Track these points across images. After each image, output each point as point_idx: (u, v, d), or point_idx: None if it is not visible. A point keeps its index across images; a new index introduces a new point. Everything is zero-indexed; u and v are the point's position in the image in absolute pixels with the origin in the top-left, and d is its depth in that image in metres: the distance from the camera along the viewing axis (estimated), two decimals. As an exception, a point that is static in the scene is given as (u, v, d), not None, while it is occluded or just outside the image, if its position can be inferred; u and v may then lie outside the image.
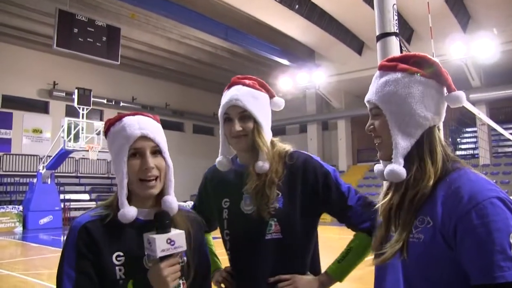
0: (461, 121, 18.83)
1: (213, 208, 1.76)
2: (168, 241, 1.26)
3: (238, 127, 1.62)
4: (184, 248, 1.30)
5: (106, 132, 1.40)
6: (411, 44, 17.67)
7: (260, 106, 1.68)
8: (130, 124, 1.34)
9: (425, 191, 1.16)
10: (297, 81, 20.78)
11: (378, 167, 1.34)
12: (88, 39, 14.04)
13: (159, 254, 1.24)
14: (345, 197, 1.66)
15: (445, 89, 1.25)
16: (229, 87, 1.72)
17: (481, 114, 6.23)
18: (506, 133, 8.55)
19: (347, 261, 1.65)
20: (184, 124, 26.56)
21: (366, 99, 1.32)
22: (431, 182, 1.16)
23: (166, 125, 21.23)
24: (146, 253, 1.31)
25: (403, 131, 1.22)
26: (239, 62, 20.96)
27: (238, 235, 1.65)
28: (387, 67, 1.29)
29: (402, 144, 1.21)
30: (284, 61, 19.91)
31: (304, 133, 24.60)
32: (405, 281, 1.16)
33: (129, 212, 1.32)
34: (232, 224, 1.67)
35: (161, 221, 1.30)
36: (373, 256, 1.31)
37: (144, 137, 1.33)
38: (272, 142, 1.69)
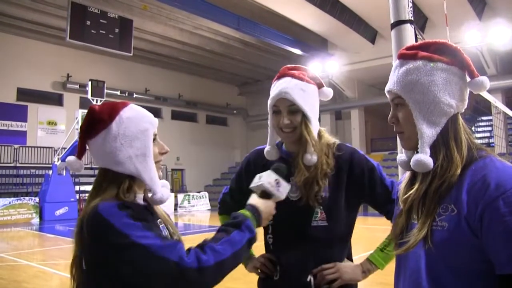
0: (477, 109, 18.58)
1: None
2: (276, 181, 1.45)
3: (286, 120, 1.65)
4: (283, 198, 1.47)
5: (115, 117, 1.37)
6: (425, 32, 17.40)
7: (308, 98, 1.69)
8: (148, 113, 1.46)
9: (452, 179, 1.14)
10: (309, 71, 20.55)
11: (401, 157, 1.32)
12: (100, 31, 14.08)
13: (263, 181, 1.45)
14: (389, 191, 1.71)
15: (467, 75, 1.23)
16: (279, 78, 1.73)
17: (497, 102, 6.13)
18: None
19: (389, 250, 1.68)
20: (197, 114, 26.62)
21: (386, 89, 1.29)
22: (459, 170, 1.14)
23: (179, 116, 21.26)
24: (252, 185, 1.48)
25: (428, 119, 1.20)
26: (252, 52, 20.87)
27: (283, 221, 1.66)
28: (408, 55, 1.26)
29: (428, 133, 1.19)
30: (297, 51, 19.75)
31: (317, 123, 24.37)
32: (427, 270, 1.14)
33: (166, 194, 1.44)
34: (277, 210, 1.66)
35: (281, 168, 1.50)
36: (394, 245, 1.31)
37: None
38: (319, 133, 1.74)
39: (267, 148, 1.77)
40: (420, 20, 17.43)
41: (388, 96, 1.30)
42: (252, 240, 1.33)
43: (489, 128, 21.69)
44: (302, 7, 16.20)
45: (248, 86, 27.92)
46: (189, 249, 1.23)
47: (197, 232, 13.15)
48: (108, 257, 1.21)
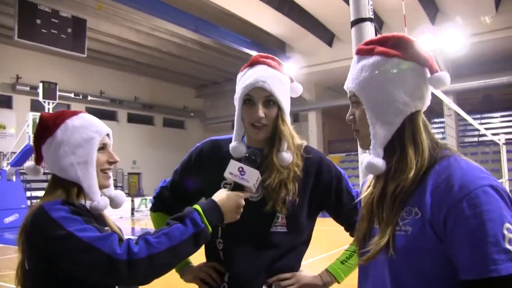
0: (432, 110, 19.22)
1: (203, 188, 1.66)
2: (240, 169, 1.37)
3: (261, 112, 1.50)
4: (250, 185, 1.38)
5: (60, 125, 1.43)
6: (333, 47, 18.62)
7: (285, 91, 1.58)
8: (97, 120, 1.50)
9: (406, 183, 1.08)
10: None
11: (365, 157, 1.24)
12: (52, 31, 13.57)
13: (225, 174, 1.37)
14: (354, 202, 1.60)
15: (427, 71, 1.16)
16: (252, 65, 1.58)
17: (451, 103, 6.31)
18: (474, 122, 8.75)
19: (350, 263, 1.62)
20: (154, 117, 26.16)
21: (345, 86, 1.24)
22: (411, 174, 1.08)
23: (135, 119, 20.86)
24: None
25: (382, 119, 1.13)
26: (209, 54, 20.68)
27: (239, 223, 1.46)
28: (364, 51, 1.21)
29: (381, 133, 1.13)
30: (254, 53, 19.57)
31: (274, 126, 24.51)
32: (392, 277, 1.09)
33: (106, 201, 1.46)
34: None
35: (250, 155, 1.43)
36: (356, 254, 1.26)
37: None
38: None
39: (233, 144, 1.58)
40: (327, 37, 18.32)
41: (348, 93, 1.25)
42: (198, 236, 1.26)
43: (442, 130, 22.46)
44: (260, 9, 16.21)
45: (206, 89, 27.73)
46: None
47: None
48: (46, 250, 1.23)
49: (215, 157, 1.64)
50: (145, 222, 17.58)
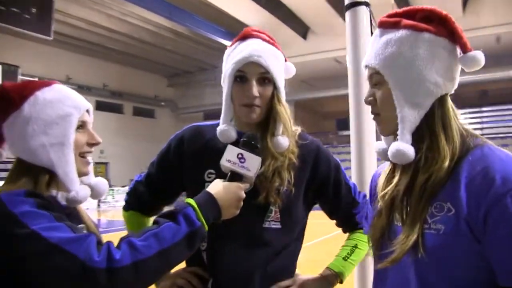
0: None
1: (184, 180, 1.46)
2: (239, 155, 1.21)
3: (255, 91, 1.31)
4: (252, 175, 1.21)
5: (28, 97, 1.17)
6: (307, 40, 18.77)
7: (280, 69, 1.39)
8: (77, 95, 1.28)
9: (439, 174, 0.97)
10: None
11: (379, 145, 1.16)
12: (13, 9, 12.84)
13: (222, 161, 1.21)
14: (352, 192, 1.51)
15: (458, 50, 1.05)
16: (243, 39, 1.39)
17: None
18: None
19: (352, 260, 1.48)
20: (123, 105, 25.69)
21: (364, 63, 1.12)
22: (446, 163, 0.97)
23: (104, 107, 20.40)
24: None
25: (411, 101, 1.02)
26: (183, 42, 20.33)
27: (227, 219, 1.25)
28: (389, 23, 1.08)
29: (410, 117, 1.02)
30: (229, 43, 19.37)
31: (246, 118, 24.57)
32: (419, 281, 0.97)
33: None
34: None
35: (249, 139, 1.26)
36: (372, 253, 1.14)
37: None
38: None
39: (221, 127, 1.38)
40: (302, 30, 18.43)
41: (366, 72, 1.13)
42: (193, 235, 1.08)
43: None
44: (237, -1, 16.05)
45: (178, 78, 27.37)
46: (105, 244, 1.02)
47: (121, 229, 12.43)
48: (9, 250, 0.99)
49: (198, 144, 1.46)
50: (112, 214, 17.34)
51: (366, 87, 2.02)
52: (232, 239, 1.34)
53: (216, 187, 1.19)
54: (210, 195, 1.17)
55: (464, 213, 0.92)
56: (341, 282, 1.45)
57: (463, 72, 1.11)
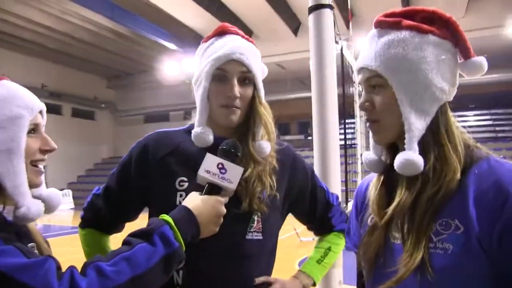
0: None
1: (151, 193, 1.30)
2: (220, 165, 1.08)
3: (237, 91, 1.22)
4: (233, 187, 1.08)
5: None
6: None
7: (259, 68, 1.32)
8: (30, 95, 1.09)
9: (450, 186, 0.90)
10: (183, 66, 20.60)
11: (369, 155, 1.07)
12: None
13: (200, 172, 1.07)
14: (326, 196, 1.47)
15: (459, 55, 1.00)
16: (220, 35, 1.30)
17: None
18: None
19: (326, 263, 1.44)
20: (62, 107, 24.87)
21: (360, 65, 1.03)
22: (458, 174, 0.91)
23: (47, 104, 19.05)
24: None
25: (417, 107, 0.95)
26: (124, 44, 20.01)
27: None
28: (388, 23, 1.00)
29: (417, 124, 0.94)
30: (171, 45, 19.61)
31: (188, 120, 24.54)
32: None
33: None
34: None
35: (229, 146, 1.13)
36: (367, 275, 1.04)
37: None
38: None
39: (197, 129, 1.26)
40: (245, 34, 18.14)
41: (360, 75, 1.04)
42: (171, 258, 0.96)
43: (352, 130, 23.79)
44: (181, 2, 16.16)
45: (118, 80, 26.71)
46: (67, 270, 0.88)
47: (58, 234, 11.94)
48: None
49: (165, 150, 1.31)
50: (48, 218, 16.55)
51: (329, 91, 2.07)
52: (209, 255, 1.19)
53: (194, 200, 1.05)
54: (188, 210, 1.03)
55: (476, 231, 0.85)
56: (314, 285, 1.41)
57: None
